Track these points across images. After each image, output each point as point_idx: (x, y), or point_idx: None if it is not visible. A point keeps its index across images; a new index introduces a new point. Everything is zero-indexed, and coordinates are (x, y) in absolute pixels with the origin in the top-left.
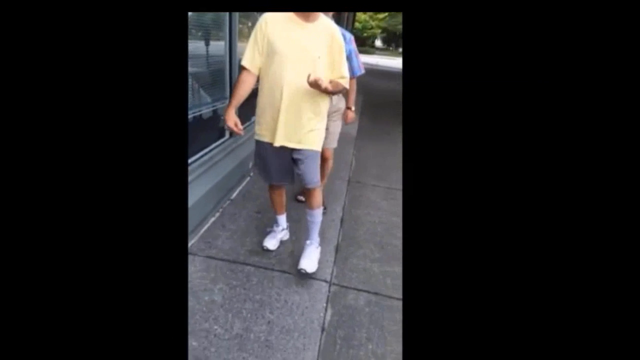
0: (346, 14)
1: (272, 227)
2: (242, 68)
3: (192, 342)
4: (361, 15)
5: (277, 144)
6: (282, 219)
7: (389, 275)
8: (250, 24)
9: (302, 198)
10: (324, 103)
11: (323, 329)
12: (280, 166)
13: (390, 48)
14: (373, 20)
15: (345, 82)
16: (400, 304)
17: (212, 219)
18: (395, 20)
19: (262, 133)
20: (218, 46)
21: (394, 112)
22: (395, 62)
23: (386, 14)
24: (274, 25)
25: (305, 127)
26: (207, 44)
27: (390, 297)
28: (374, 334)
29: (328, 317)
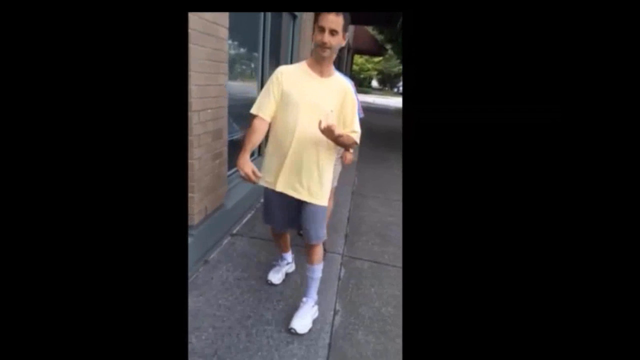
0: (345, 59)
1: (276, 261)
2: (253, 116)
3: (251, 282)
4: (358, 59)
5: (277, 189)
6: (287, 255)
7: (386, 252)
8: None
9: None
10: (330, 157)
11: (339, 279)
12: (285, 215)
13: (386, 88)
14: (369, 63)
15: (357, 137)
16: (393, 269)
17: (249, 215)
18: (389, 64)
19: (268, 180)
20: (251, 86)
21: (389, 142)
22: (389, 101)
23: (381, 58)
24: (289, 76)
25: (316, 179)
26: (243, 85)
27: (387, 265)
28: (375, 283)
29: (342, 273)
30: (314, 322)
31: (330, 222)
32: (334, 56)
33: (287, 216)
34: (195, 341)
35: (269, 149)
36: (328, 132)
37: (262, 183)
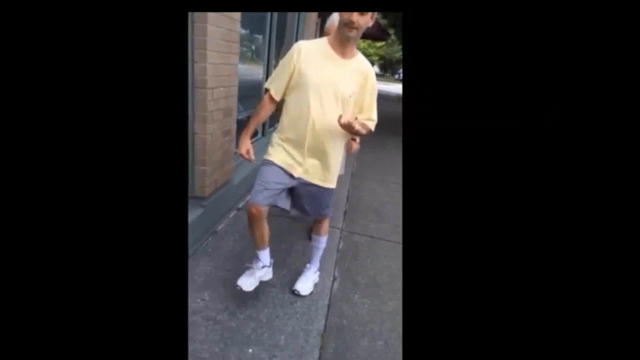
0: None
1: (250, 262)
2: (266, 91)
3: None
4: (360, 43)
5: (296, 174)
6: (265, 255)
7: (382, 228)
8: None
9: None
10: (343, 141)
11: (338, 250)
12: (276, 187)
13: (387, 74)
14: (371, 48)
15: (373, 125)
16: (388, 243)
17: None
18: (391, 49)
19: (278, 158)
20: (257, 69)
21: (389, 128)
22: (390, 88)
23: (383, 43)
24: (308, 56)
25: (328, 164)
26: (248, 67)
27: (382, 239)
28: (371, 254)
29: (341, 246)
30: (315, 286)
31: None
32: (359, 37)
33: (281, 193)
34: (208, 298)
35: (283, 128)
36: (348, 127)
37: (268, 158)
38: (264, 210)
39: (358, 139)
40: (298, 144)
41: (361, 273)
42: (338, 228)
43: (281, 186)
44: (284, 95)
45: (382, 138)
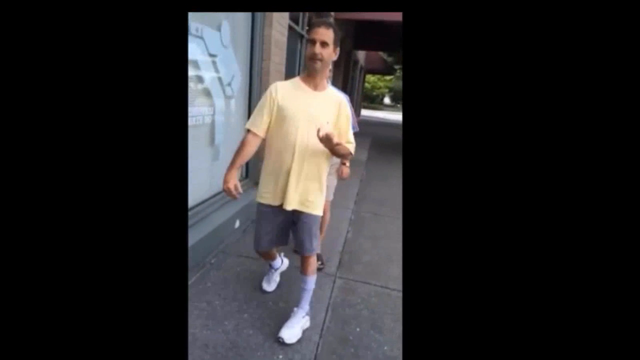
0: (357, 78)
1: (268, 269)
2: (247, 131)
3: None
4: (370, 77)
5: (289, 207)
6: (276, 262)
7: (382, 209)
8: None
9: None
10: (327, 167)
11: (350, 220)
12: (274, 231)
13: (398, 105)
14: (381, 82)
15: (352, 148)
16: (386, 217)
17: None
18: (400, 82)
19: (266, 196)
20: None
21: (394, 149)
22: (399, 117)
23: (392, 76)
24: (284, 92)
25: (314, 189)
26: None
27: (383, 215)
28: (374, 222)
29: (352, 217)
30: (333, 238)
31: (340, 198)
32: (327, 70)
33: (277, 233)
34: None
35: (268, 165)
36: (327, 140)
37: (260, 200)
38: (269, 249)
39: (348, 163)
40: (286, 174)
41: (367, 229)
42: (350, 209)
43: (276, 229)
44: (267, 132)
45: (388, 156)
